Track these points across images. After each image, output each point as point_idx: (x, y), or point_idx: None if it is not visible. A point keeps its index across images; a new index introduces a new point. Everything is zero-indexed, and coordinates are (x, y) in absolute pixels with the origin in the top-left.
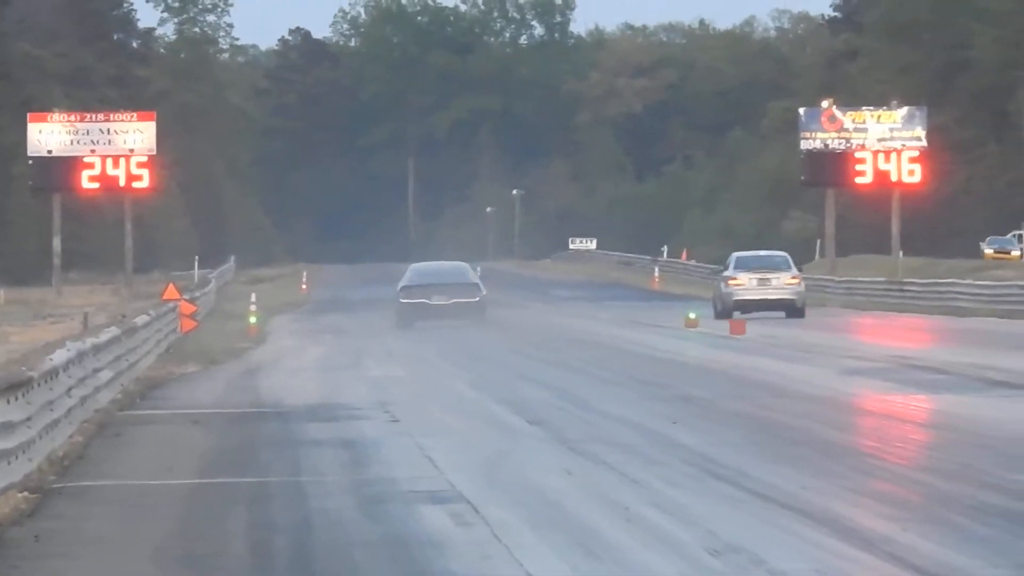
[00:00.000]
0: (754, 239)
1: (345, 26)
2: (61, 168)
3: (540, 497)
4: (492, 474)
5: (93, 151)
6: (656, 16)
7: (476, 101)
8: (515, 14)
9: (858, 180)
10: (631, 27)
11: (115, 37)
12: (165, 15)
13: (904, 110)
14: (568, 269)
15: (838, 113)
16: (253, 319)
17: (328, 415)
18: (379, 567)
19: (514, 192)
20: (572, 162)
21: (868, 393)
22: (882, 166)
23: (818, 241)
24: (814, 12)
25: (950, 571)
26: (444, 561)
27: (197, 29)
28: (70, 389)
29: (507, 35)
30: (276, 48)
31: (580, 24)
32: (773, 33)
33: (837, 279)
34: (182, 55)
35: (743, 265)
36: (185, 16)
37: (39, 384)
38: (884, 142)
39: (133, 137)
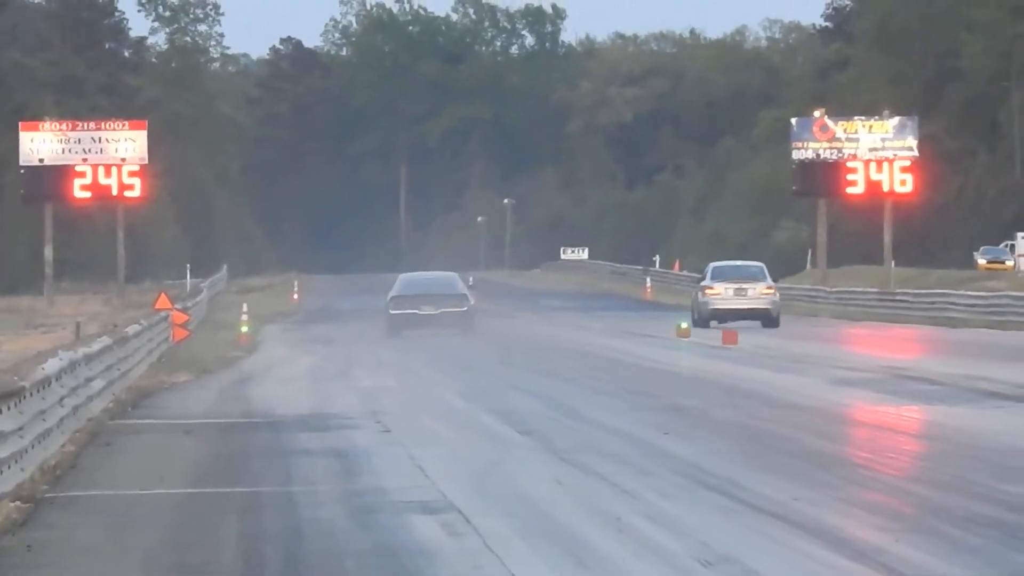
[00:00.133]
0: (744, 248)
1: (336, 35)
2: (53, 177)
3: (531, 507)
4: (483, 484)
5: (85, 160)
6: (647, 25)
7: (467, 110)
8: (506, 23)
9: (850, 190)
10: (622, 36)
11: (106, 46)
12: (156, 24)
13: (895, 120)
14: (560, 279)
15: (830, 123)
16: (245, 328)
17: (319, 425)
18: None
19: (505, 201)
20: (563, 171)
21: (860, 404)
22: (874, 176)
23: (809, 251)
24: (805, 22)
25: None
26: (435, 571)
27: (188, 38)
28: (62, 399)
29: (498, 44)
30: (267, 57)
31: (571, 33)
32: (764, 43)
33: (829, 289)
34: (173, 64)
35: (719, 275)
36: (176, 25)
37: (31, 394)
38: (876, 152)
39: (125, 146)
